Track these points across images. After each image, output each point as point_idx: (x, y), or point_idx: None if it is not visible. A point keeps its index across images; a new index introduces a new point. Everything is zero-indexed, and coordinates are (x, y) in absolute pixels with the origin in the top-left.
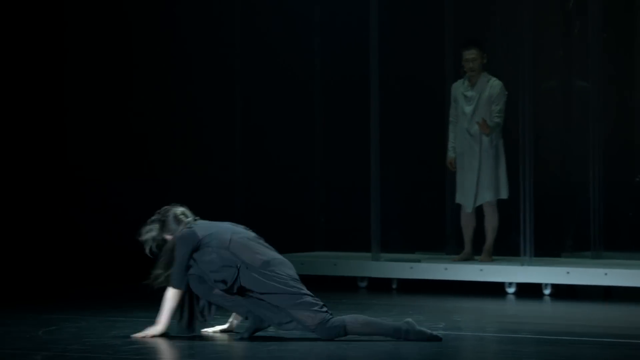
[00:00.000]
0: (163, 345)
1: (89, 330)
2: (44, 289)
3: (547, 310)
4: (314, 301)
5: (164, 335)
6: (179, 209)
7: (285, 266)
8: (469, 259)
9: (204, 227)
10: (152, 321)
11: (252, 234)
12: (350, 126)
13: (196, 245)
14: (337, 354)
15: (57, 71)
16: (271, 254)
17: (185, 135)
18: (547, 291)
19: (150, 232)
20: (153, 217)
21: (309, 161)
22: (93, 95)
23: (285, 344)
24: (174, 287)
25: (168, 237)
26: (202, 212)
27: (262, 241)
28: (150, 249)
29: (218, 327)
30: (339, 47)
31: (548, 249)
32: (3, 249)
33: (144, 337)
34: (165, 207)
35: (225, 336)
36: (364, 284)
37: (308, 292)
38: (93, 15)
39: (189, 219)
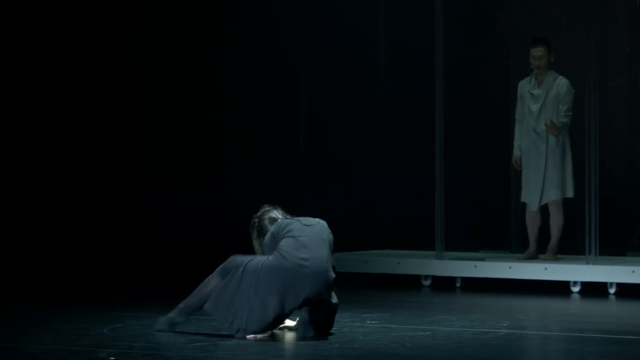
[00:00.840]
0: (228, 343)
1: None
2: (110, 287)
3: (612, 310)
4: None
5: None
6: (272, 213)
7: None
8: (533, 257)
9: (278, 225)
10: (214, 319)
11: (311, 233)
12: (415, 124)
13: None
14: (400, 352)
15: (123, 75)
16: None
17: (249, 135)
18: (612, 290)
19: (255, 242)
20: (251, 222)
21: (373, 160)
22: (158, 100)
23: (349, 342)
24: None
25: None
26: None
27: (312, 242)
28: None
29: (288, 322)
30: (404, 43)
31: (613, 247)
32: (70, 247)
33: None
34: (263, 209)
35: (292, 334)
36: (427, 283)
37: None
38: (159, 20)
39: (279, 219)
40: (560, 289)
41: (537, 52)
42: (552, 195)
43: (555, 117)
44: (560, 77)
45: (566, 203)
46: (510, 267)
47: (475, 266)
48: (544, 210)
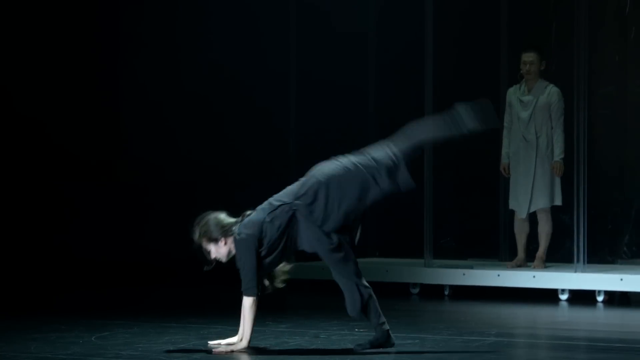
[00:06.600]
0: (212, 356)
1: (142, 335)
2: (97, 295)
3: (601, 317)
4: None
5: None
6: (214, 214)
7: None
8: (521, 265)
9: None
10: (202, 327)
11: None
12: None
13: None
14: None
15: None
16: None
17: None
18: (600, 298)
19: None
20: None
21: None
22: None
23: (338, 349)
24: (250, 295)
25: (214, 246)
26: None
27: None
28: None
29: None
30: (394, 49)
31: (602, 255)
32: (57, 255)
33: (227, 352)
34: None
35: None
36: (416, 291)
37: None
38: (146, 19)
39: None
40: (548, 296)
41: (528, 57)
42: (541, 203)
43: (545, 124)
44: (551, 85)
45: (555, 211)
46: (498, 275)
47: (464, 274)
48: (533, 218)
